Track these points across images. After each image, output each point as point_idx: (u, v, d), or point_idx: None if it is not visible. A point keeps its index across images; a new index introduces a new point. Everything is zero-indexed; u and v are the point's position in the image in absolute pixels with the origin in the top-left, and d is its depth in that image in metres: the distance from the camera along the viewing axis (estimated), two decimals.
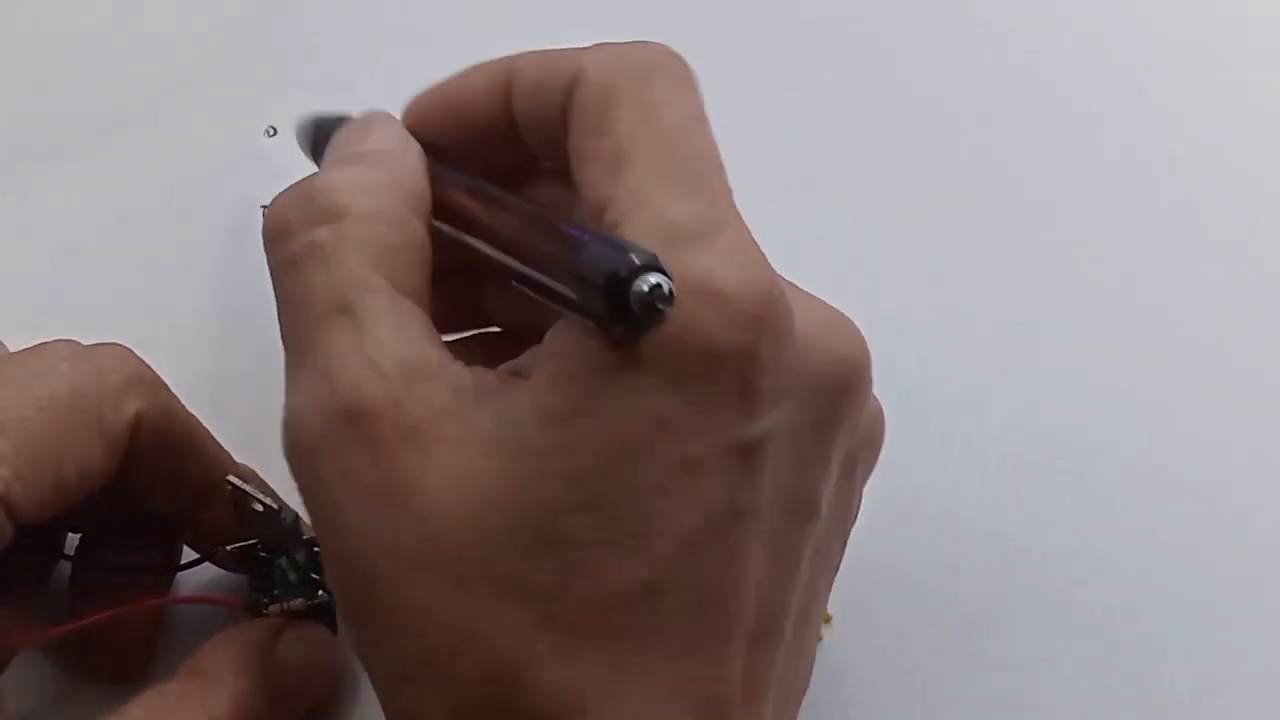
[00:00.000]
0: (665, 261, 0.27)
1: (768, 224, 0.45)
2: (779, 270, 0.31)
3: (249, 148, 0.44)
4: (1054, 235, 0.47)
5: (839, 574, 0.34)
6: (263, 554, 0.36)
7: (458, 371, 0.29)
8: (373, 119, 0.35)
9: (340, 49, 0.47)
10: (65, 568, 0.37)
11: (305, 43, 0.47)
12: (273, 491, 0.37)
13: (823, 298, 0.32)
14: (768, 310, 0.28)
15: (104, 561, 0.36)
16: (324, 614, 0.36)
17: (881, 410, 0.34)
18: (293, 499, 0.36)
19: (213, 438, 0.37)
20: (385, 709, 0.30)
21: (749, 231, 0.30)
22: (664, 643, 0.28)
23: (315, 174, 0.32)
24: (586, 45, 0.33)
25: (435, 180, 0.33)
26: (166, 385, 0.36)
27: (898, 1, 0.50)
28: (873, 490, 0.35)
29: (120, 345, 0.35)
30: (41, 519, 0.33)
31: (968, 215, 0.47)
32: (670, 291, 0.26)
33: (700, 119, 0.32)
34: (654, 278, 0.26)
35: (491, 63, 0.34)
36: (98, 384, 0.34)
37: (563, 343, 0.29)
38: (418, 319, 0.30)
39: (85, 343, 0.35)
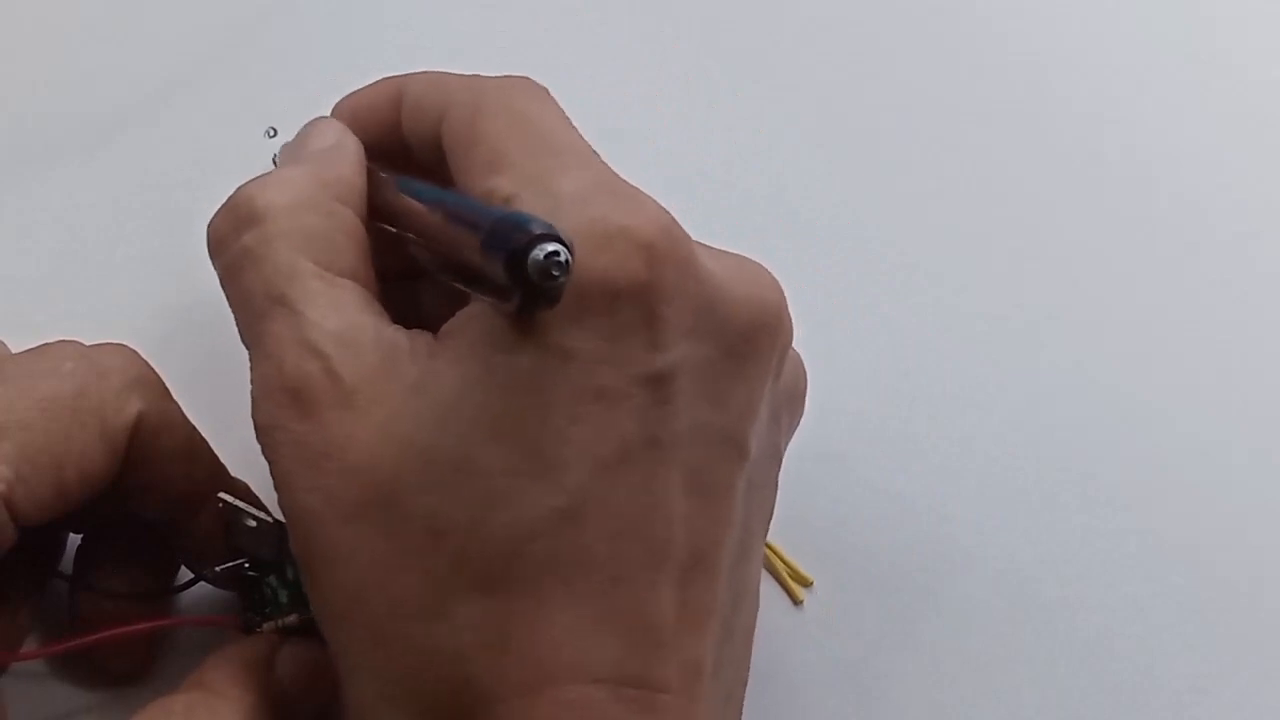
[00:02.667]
0: (556, 219, 0.28)
1: (769, 223, 0.46)
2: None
3: (249, 148, 0.44)
4: (1054, 235, 0.47)
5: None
6: (251, 573, 0.36)
7: (392, 333, 0.32)
8: (313, 124, 0.38)
9: (340, 49, 0.47)
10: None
11: (305, 43, 0.47)
12: (265, 506, 0.37)
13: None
14: (663, 243, 0.30)
15: (100, 585, 0.36)
16: (317, 629, 0.36)
17: (803, 364, 0.35)
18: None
19: (209, 447, 0.37)
20: (331, 656, 0.32)
21: (640, 190, 0.31)
22: (587, 572, 0.29)
23: (242, 184, 0.34)
24: (456, 74, 0.36)
25: (374, 179, 0.36)
26: (168, 390, 0.36)
27: (898, 1, 0.50)
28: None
29: (123, 346, 0.35)
30: (43, 521, 0.33)
31: (967, 215, 0.47)
32: (567, 260, 0.27)
33: (566, 121, 0.34)
34: (551, 246, 0.27)
35: (390, 79, 0.37)
36: (100, 385, 0.34)
37: (479, 303, 0.31)
38: (350, 293, 0.32)
39: (86, 343, 0.35)
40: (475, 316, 0.31)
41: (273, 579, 0.36)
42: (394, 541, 0.30)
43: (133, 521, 0.36)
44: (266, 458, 0.32)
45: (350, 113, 0.38)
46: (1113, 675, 0.41)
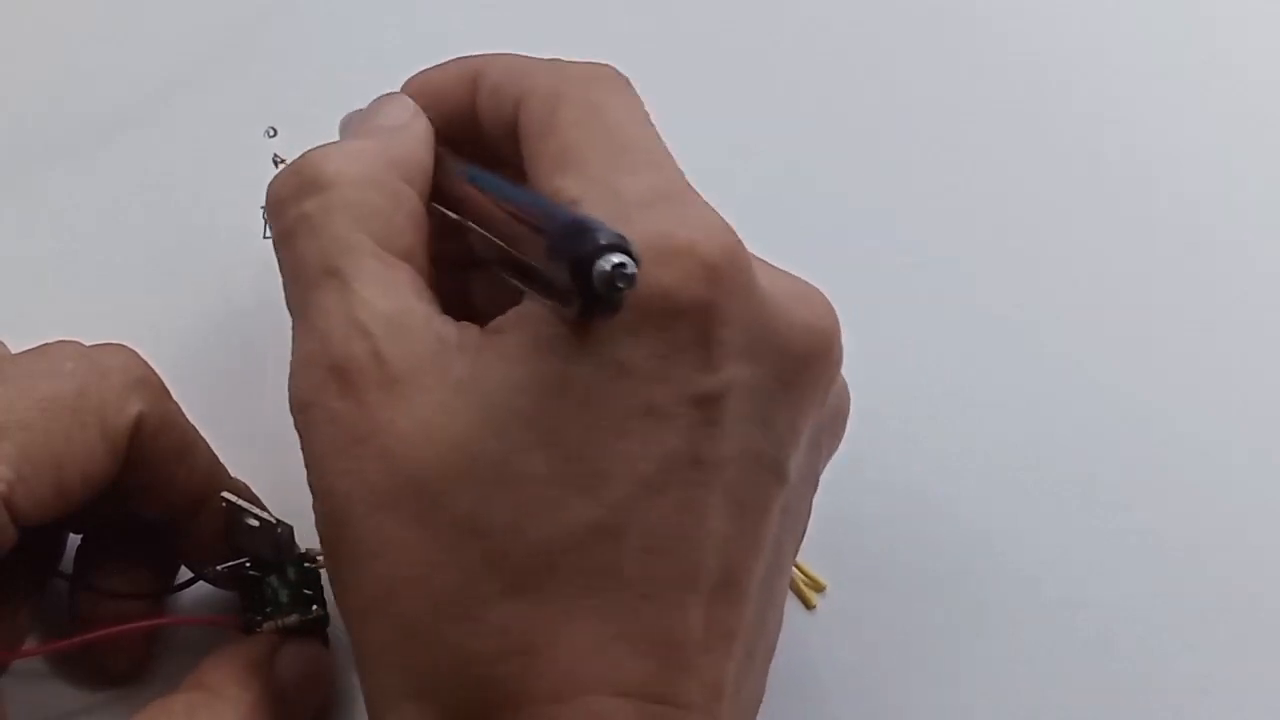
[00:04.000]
0: (621, 227, 0.28)
1: (769, 222, 0.46)
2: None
3: (249, 148, 0.44)
4: (1055, 234, 0.47)
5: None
6: (252, 572, 0.36)
7: (441, 324, 0.31)
8: (385, 99, 0.37)
9: (340, 49, 0.47)
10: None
11: (305, 43, 0.47)
12: (265, 506, 0.37)
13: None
14: (726, 264, 0.30)
15: (100, 585, 0.36)
16: (317, 629, 0.36)
17: (848, 390, 0.35)
18: (284, 512, 0.36)
19: (209, 447, 0.37)
20: (353, 645, 0.31)
21: (704, 201, 0.31)
22: (618, 586, 0.29)
23: (309, 149, 0.34)
24: (537, 61, 0.35)
25: (441, 163, 0.35)
26: (168, 390, 0.36)
27: (897, 1, 0.50)
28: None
29: (124, 346, 0.35)
30: (43, 521, 0.33)
31: (968, 214, 0.47)
32: (633, 274, 0.27)
33: (642, 117, 0.33)
34: (617, 257, 0.27)
35: (466, 59, 0.37)
36: (101, 385, 0.34)
37: (534, 304, 0.30)
38: (405, 275, 0.32)
39: (86, 343, 0.35)
40: (528, 317, 0.30)
41: (273, 579, 0.36)
42: (429, 537, 0.29)
43: (133, 521, 0.36)
44: (300, 434, 0.31)
45: (422, 90, 0.37)
46: (1118, 675, 0.41)
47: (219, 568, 0.36)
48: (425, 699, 0.30)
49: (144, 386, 0.35)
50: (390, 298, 0.31)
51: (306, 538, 0.37)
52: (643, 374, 0.29)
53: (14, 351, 0.36)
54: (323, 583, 0.37)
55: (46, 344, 0.35)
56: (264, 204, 0.34)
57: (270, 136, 0.43)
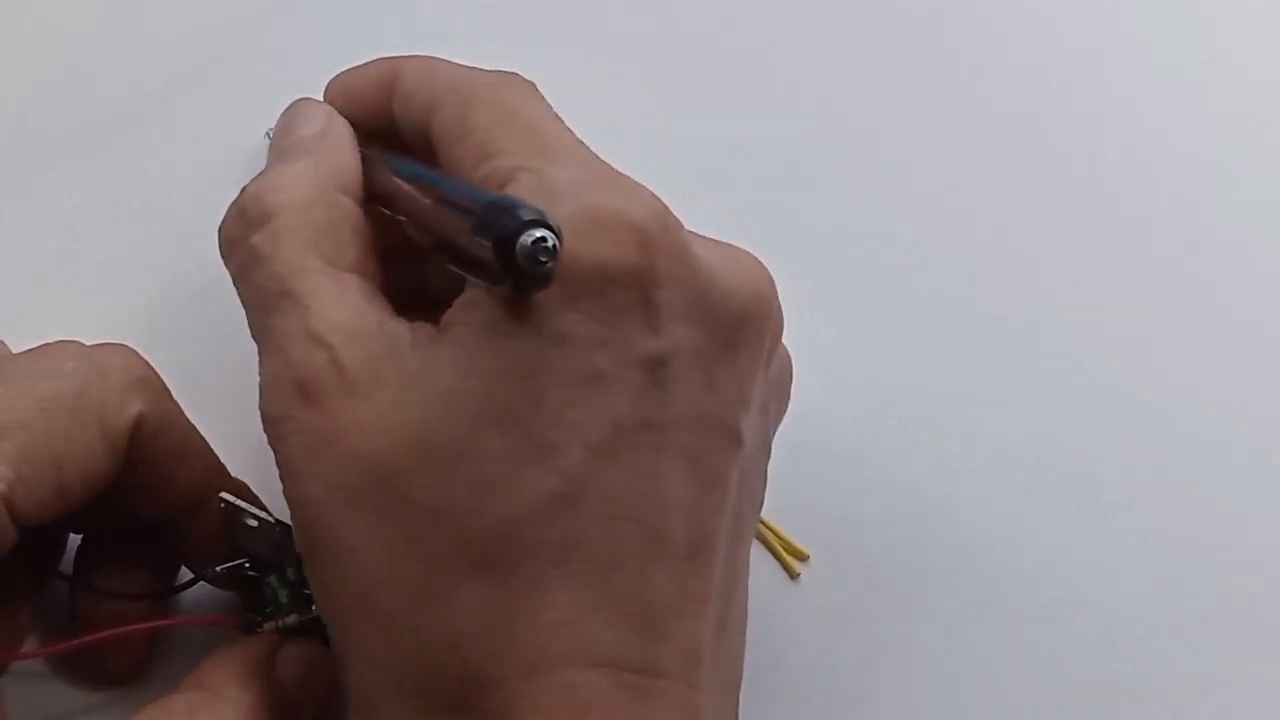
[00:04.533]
0: (550, 205, 0.29)
1: (769, 222, 0.46)
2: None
3: (249, 148, 0.44)
4: (1054, 234, 0.47)
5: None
6: (251, 573, 0.36)
7: (394, 325, 0.32)
8: (298, 107, 0.39)
9: (340, 49, 0.47)
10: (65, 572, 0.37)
11: (305, 43, 0.47)
12: (264, 506, 0.37)
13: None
14: (657, 229, 0.31)
15: (100, 585, 0.36)
16: (317, 629, 0.36)
17: (789, 357, 0.35)
18: (284, 512, 0.36)
19: (209, 447, 0.37)
20: (335, 648, 0.32)
21: (634, 181, 0.32)
22: (584, 555, 0.30)
23: (248, 184, 0.35)
24: (450, 63, 0.36)
25: (365, 161, 0.36)
26: (168, 390, 0.36)
27: (897, 1, 0.50)
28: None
29: (124, 346, 0.35)
30: (43, 521, 0.33)
31: (968, 214, 0.47)
32: (554, 246, 0.28)
33: (556, 118, 0.34)
34: (538, 231, 0.28)
35: (384, 61, 0.38)
36: (101, 385, 0.34)
37: (476, 291, 0.31)
38: (355, 285, 0.33)
39: (86, 343, 0.35)
40: (472, 304, 0.31)
41: (273, 579, 0.36)
42: (395, 528, 0.30)
43: (133, 522, 0.36)
44: (273, 449, 0.32)
45: (343, 92, 0.39)
46: (1118, 675, 0.41)
47: (218, 568, 0.36)
48: (410, 693, 0.30)
49: (144, 386, 0.35)
50: (343, 308, 0.32)
51: None
52: (584, 341, 0.30)
53: (14, 351, 0.36)
54: None
55: (46, 344, 0.35)
56: (218, 245, 0.35)
57: (270, 137, 0.44)
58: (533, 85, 0.35)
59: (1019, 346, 0.45)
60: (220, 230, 0.35)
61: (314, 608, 0.36)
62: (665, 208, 0.31)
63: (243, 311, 0.34)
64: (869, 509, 0.42)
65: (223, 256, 0.35)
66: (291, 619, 0.36)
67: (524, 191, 0.31)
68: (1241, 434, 0.44)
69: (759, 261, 0.33)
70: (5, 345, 0.37)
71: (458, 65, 0.36)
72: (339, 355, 0.31)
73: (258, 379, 0.33)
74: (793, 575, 0.41)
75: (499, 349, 0.30)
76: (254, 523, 0.35)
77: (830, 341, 0.43)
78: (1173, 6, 0.51)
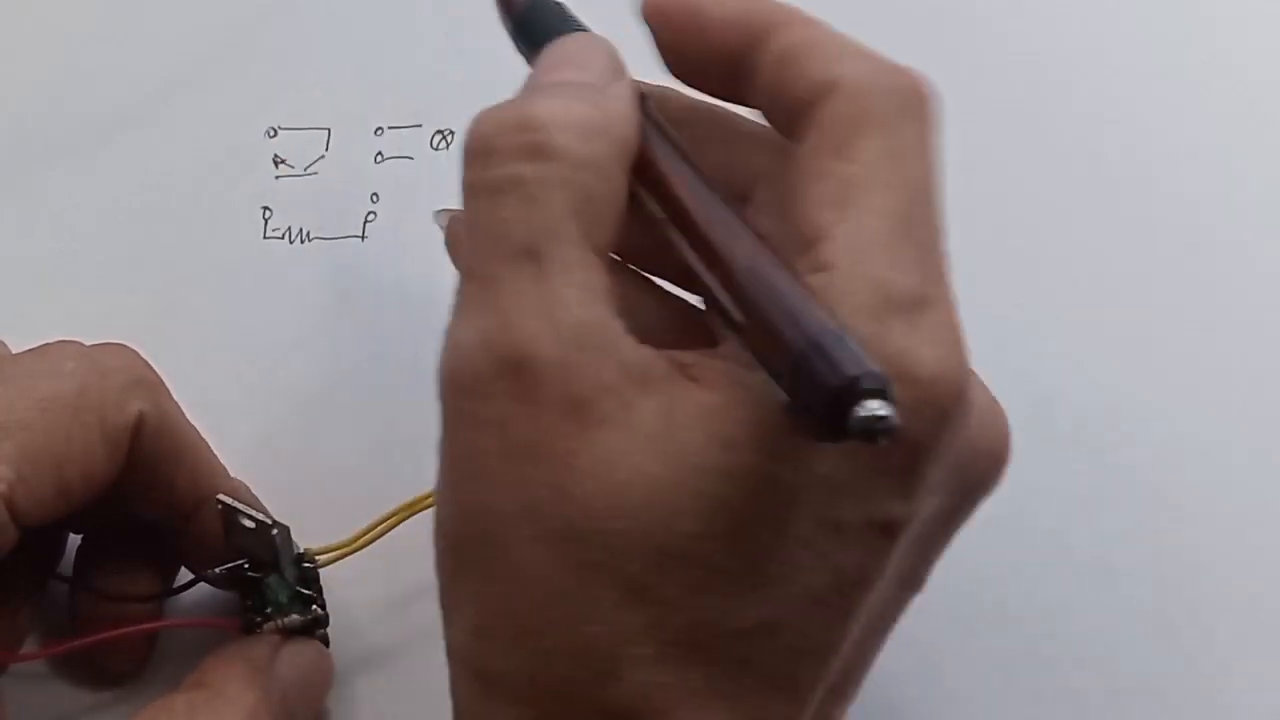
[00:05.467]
0: (871, 330, 0.26)
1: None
2: None
3: (249, 148, 0.44)
4: (1054, 234, 0.47)
5: None
6: (251, 573, 0.36)
7: (629, 349, 0.28)
8: (593, 43, 0.33)
9: (340, 49, 0.47)
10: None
11: (305, 43, 0.47)
12: (263, 507, 0.37)
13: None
14: (954, 405, 0.28)
15: (99, 586, 0.36)
16: (316, 629, 0.36)
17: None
18: (284, 513, 0.36)
19: (208, 447, 0.37)
20: (456, 667, 0.29)
21: (956, 312, 0.29)
22: (759, 676, 0.28)
23: (528, 99, 0.30)
24: (848, 42, 0.31)
25: (654, 134, 0.31)
26: (168, 390, 0.36)
27: (897, 1, 0.50)
28: None
29: (125, 346, 0.35)
30: (44, 521, 0.33)
31: (967, 215, 0.47)
32: (893, 422, 0.24)
33: (936, 175, 0.30)
34: (879, 406, 0.24)
35: (756, 2, 0.32)
36: (101, 384, 0.34)
37: (745, 369, 0.28)
38: (603, 280, 0.29)
39: (86, 343, 0.35)
40: (734, 381, 0.28)
41: (273, 579, 0.36)
42: (591, 589, 0.27)
43: (133, 522, 0.36)
44: (448, 417, 0.29)
45: (683, 11, 0.32)
46: (1118, 675, 0.41)
47: (217, 570, 0.36)
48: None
49: (144, 386, 0.35)
50: (587, 305, 0.28)
51: (306, 537, 0.37)
52: (841, 489, 0.28)
53: (14, 351, 0.36)
54: (322, 582, 0.37)
55: (47, 344, 0.35)
56: (466, 143, 0.29)
57: (270, 137, 0.44)
58: (931, 109, 0.31)
59: (1019, 346, 0.45)
60: (483, 126, 0.29)
61: (314, 607, 0.36)
62: (969, 372, 0.28)
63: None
64: None
65: (472, 156, 0.29)
66: (292, 619, 0.36)
67: (851, 287, 0.27)
68: (1241, 434, 0.44)
69: (1005, 419, 0.31)
70: (5, 345, 0.37)
71: (856, 47, 0.31)
72: (571, 358, 0.27)
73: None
74: None
75: (756, 465, 0.27)
76: (250, 524, 0.35)
77: None
78: (1173, 6, 0.51)
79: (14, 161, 0.44)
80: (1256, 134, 0.49)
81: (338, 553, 0.37)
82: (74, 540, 0.38)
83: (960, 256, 0.46)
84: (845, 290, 0.28)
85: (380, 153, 0.45)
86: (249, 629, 0.36)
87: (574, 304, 0.28)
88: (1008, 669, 0.41)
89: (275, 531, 0.35)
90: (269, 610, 0.36)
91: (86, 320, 0.37)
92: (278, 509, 0.37)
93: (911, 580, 0.31)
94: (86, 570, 0.37)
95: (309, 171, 0.44)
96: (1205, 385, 0.45)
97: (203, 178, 0.44)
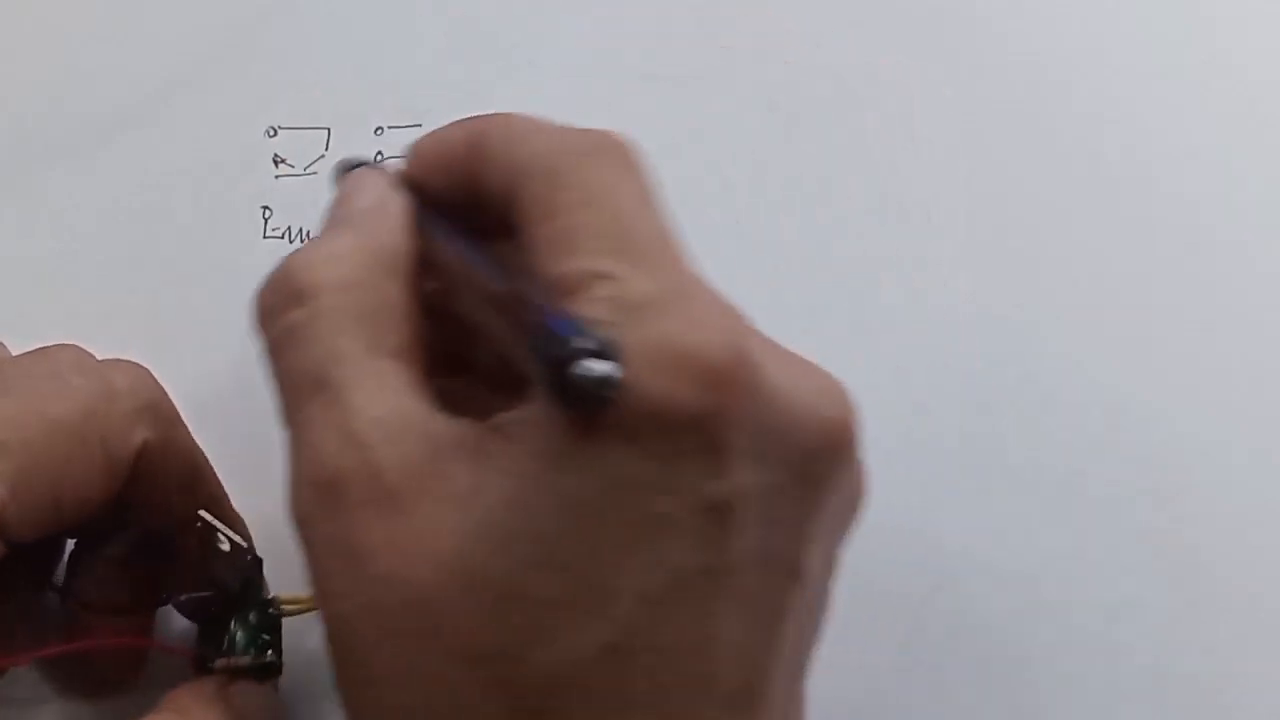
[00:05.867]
0: (620, 333, 0.27)
1: (769, 222, 0.46)
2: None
3: (249, 148, 0.44)
4: (1053, 234, 0.47)
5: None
6: (213, 608, 0.35)
7: (439, 425, 0.30)
8: (360, 178, 0.36)
9: (340, 49, 0.47)
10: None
11: (305, 43, 0.47)
12: (249, 536, 0.36)
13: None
14: (733, 368, 0.28)
15: (85, 597, 0.36)
16: (268, 675, 0.36)
17: (863, 470, 0.33)
18: (277, 522, 0.36)
19: (213, 475, 0.36)
20: None
21: (713, 297, 0.30)
22: (631, 705, 0.28)
23: (289, 255, 0.33)
24: (541, 125, 0.33)
25: (426, 235, 0.34)
26: (177, 414, 0.35)
27: (897, 1, 0.50)
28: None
29: (136, 365, 0.35)
30: (35, 539, 0.33)
31: (968, 215, 0.47)
32: (617, 378, 0.26)
33: (648, 199, 0.32)
34: (599, 365, 0.26)
35: (471, 121, 0.35)
36: (108, 408, 0.33)
37: (536, 406, 0.29)
38: (398, 376, 0.31)
39: (85, 342, 0.35)
40: (527, 425, 0.29)
41: (236, 618, 0.35)
42: (431, 665, 0.28)
43: (128, 534, 0.36)
44: (302, 551, 0.30)
45: (427, 156, 0.36)
46: (1118, 675, 0.41)
47: (182, 597, 0.36)
48: None
49: (152, 411, 0.34)
50: (383, 402, 0.30)
51: (280, 577, 0.36)
52: (646, 485, 0.28)
53: (14, 353, 0.36)
54: (282, 633, 0.36)
55: (50, 348, 0.35)
56: (251, 311, 0.33)
57: (270, 136, 0.44)
58: (627, 149, 0.32)
59: (1019, 346, 0.45)
60: (258, 295, 0.32)
61: (269, 654, 0.35)
62: (743, 338, 0.29)
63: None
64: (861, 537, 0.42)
65: (256, 326, 0.32)
66: (244, 660, 0.35)
67: (596, 305, 0.29)
68: (1241, 434, 0.44)
69: (838, 384, 0.31)
70: (5, 348, 0.36)
71: (549, 127, 0.33)
72: (376, 458, 0.29)
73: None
74: None
75: (555, 486, 0.28)
76: (226, 546, 0.35)
77: (830, 351, 0.43)
78: (1173, 6, 0.51)
79: (14, 161, 0.44)
80: (1256, 134, 0.49)
81: (304, 606, 0.36)
82: (63, 569, 0.37)
83: (961, 256, 0.46)
84: (589, 311, 0.29)
85: (380, 153, 0.45)
86: (202, 662, 0.35)
87: (370, 406, 0.30)
88: (1007, 669, 0.41)
89: (249, 559, 0.35)
90: (224, 648, 0.35)
91: (86, 320, 0.37)
92: (273, 510, 0.37)
93: (790, 567, 0.30)
94: (74, 581, 0.36)
95: (309, 171, 0.44)
96: (1205, 385, 0.45)
97: (203, 178, 0.44)
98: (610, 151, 0.32)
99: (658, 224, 0.31)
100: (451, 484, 0.29)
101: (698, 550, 0.28)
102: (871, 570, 0.41)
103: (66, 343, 0.35)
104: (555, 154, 0.32)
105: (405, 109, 0.45)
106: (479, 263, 0.32)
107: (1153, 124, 0.49)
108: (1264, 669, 0.41)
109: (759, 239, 0.45)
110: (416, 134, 0.45)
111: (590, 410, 0.27)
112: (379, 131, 0.45)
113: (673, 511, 0.28)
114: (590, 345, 0.27)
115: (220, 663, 0.35)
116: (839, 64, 0.49)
